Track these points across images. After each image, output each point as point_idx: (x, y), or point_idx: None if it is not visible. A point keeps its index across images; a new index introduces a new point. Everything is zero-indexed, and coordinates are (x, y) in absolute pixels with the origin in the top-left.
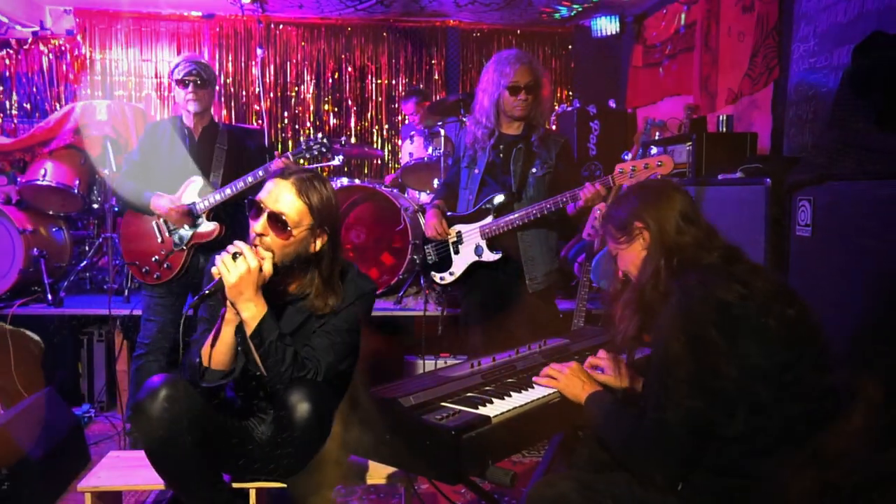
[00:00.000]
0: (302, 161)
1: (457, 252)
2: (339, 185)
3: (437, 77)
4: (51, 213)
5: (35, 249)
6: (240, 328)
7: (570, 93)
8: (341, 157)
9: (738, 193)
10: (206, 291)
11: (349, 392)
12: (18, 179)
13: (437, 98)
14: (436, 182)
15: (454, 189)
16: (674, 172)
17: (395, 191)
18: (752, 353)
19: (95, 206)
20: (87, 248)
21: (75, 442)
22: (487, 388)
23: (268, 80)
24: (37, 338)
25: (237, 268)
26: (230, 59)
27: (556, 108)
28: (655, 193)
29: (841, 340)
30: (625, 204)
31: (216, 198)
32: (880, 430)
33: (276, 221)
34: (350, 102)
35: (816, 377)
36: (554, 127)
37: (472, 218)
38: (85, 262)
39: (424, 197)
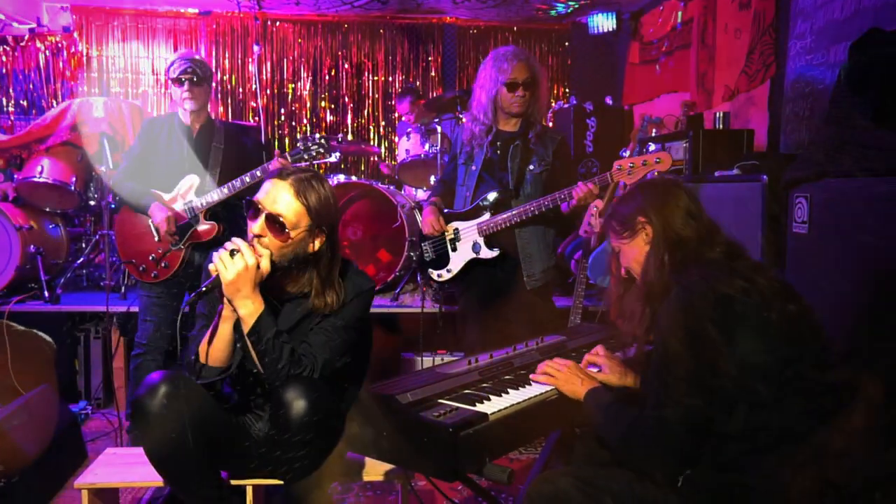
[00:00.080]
0: (300, 161)
1: (454, 249)
2: (335, 181)
3: (433, 74)
4: (47, 209)
5: (32, 246)
6: (237, 325)
7: (567, 90)
8: (338, 154)
9: (735, 190)
10: (203, 288)
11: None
12: (15, 176)
13: (434, 95)
14: (432, 179)
15: (451, 186)
16: (671, 169)
17: (391, 188)
18: (752, 348)
19: (92, 202)
20: (83, 245)
21: (72, 439)
22: (485, 385)
23: (264, 77)
24: (48, 339)
25: (234, 265)
26: (227, 55)
27: (553, 104)
28: (659, 190)
29: (838, 337)
30: (629, 201)
31: (214, 197)
32: (881, 429)
33: (274, 223)
34: (347, 99)
35: (817, 374)
36: (551, 124)
37: (470, 215)
38: (81, 259)
39: (421, 194)
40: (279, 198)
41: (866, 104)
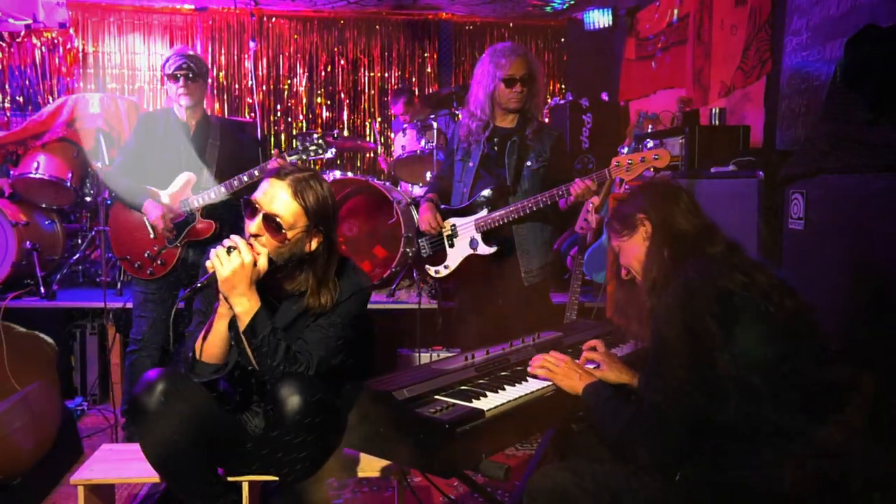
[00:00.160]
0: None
1: (451, 245)
2: (331, 177)
3: (429, 70)
4: (43, 205)
5: (28, 242)
6: (233, 322)
7: (563, 86)
8: (333, 150)
9: (731, 186)
10: (199, 284)
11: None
12: (11, 172)
13: (430, 91)
14: (428, 175)
15: (448, 182)
16: (667, 166)
17: (387, 183)
18: (751, 342)
19: (88, 199)
20: (79, 241)
21: (68, 435)
22: (481, 381)
23: (260, 73)
24: (50, 340)
25: (231, 262)
26: (223, 52)
27: (549, 101)
28: (659, 190)
29: (834, 334)
30: (629, 201)
31: (211, 195)
32: (878, 428)
33: (271, 223)
34: (343, 95)
35: (815, 371)
36: (546, 120)
37: (467, 211)
38: (77, 255)
39: (417, 189)
40: (276, 198)
41: (862, 100)
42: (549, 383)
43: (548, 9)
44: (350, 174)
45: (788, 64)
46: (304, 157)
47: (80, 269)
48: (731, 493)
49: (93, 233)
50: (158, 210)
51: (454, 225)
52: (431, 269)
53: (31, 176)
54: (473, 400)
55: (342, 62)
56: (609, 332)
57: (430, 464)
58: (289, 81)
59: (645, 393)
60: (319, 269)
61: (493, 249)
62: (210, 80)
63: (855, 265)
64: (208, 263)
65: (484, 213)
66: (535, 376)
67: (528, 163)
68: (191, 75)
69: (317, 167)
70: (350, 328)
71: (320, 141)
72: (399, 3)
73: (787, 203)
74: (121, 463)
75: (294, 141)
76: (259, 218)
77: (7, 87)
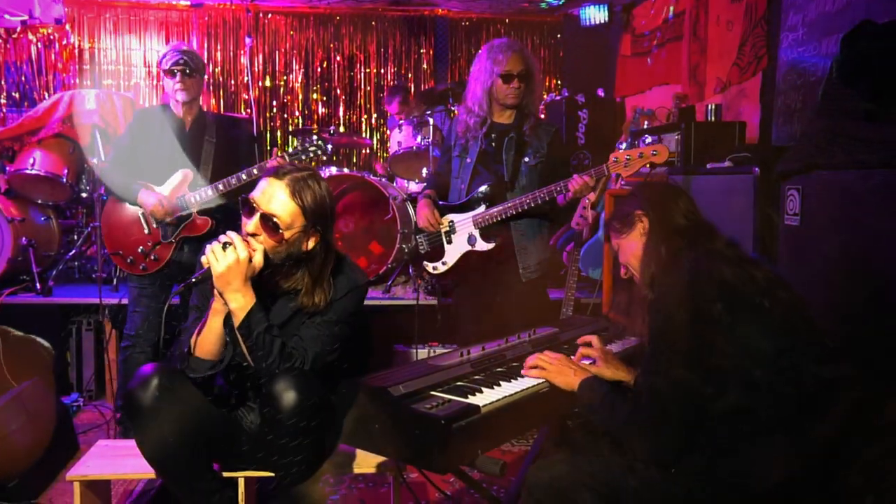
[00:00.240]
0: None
1: (449, 242)
2: (327, 174)
3: (425, 66)
4: (39, 201)
5: (24, 238)
6: (228, 318)
7: (559, 82)
8: (330, 147)
9: (727, 182)
10: (193, 279)
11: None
12: (7, 168)
13: (426, 87)
14: (424, 171)
15: (445, 178)
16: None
17: (383, 180)
18: (750, 333)
19: (84, 195)
20: (75, 238)
21: (64, 431)
22: (477, 377)
23: (256, 70)
24: (47, 344)
25: (226, 258)
26: (219, 48)
27: (545, 97)
28: (658, 188)
29: (829, 329)
30: (629, 199)
31: (208, 193)
32: (871, 424)
33: (268, 223)
34: (339, 91)
35: (812, 367)
36: (542, 116)
37: (465, 207)
38: (73, 252)
39: (413, 186)
40: (274, 197)
41: (858, 96)
42: (544, 379)
43: (543, 5)
44: (346, 170)
45: (784, 60)
46: (304, 157)
47: (76, 266)
48: (726, 483)
49: (89, 229)
50: (154, 197)
51: (452, 221)
52: (429, 266)
53: (27, 172)
54: (469, 396)
55: (338, 58)
56: (605, 328)
57: (426, 459)
58: (285, 78)
59: (643, 384)
60: (315, 269)
61: (490, 246)
62: (206, 77)
63: (851, 261)
64: (203, 259)
65: (482, 209)
66: None
67: (526, 159)
68: (187, 71)
69: (313, 164)
70: (345, 325)
71: (320, 142)
72: None
73: (783, 199)
74: (117, 459)
75: (292, 138)
76: (256, 217)
77: (3, 83)
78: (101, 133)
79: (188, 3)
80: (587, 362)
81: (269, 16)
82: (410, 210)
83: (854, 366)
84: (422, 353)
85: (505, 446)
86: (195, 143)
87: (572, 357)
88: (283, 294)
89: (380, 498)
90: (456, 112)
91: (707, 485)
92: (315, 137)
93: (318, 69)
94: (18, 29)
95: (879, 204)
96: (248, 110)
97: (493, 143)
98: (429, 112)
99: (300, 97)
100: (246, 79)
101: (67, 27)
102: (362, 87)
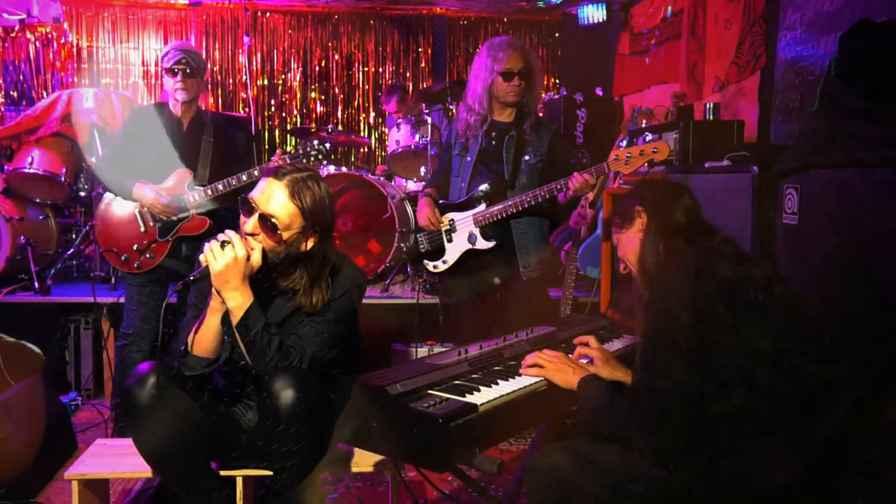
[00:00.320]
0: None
1: (450, 240)
2: (325, 172)
3: (423, 65)
4: (38, 200)
5: (22, 237)
6: (226, 317)
7: (557, 80)
8: (328, 146)
9: (725, 181)
10: (191, 278)
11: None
12: (5, 167)
13: (424, 86)
14: (423, 170)
15: (446, 177)
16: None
17: (381, 178)
18: (750, 331)
19: (82, 193)
20: (73, 237)
21: (62, 430)
22: (475, 376)
23: (254, 69)
24: (37, 350)
25: (224, 256)
26: (217, 47)
27: (543, 95)
28: (660, 186)
29: (828, 329)
30: (630, 195)
31: (207, 193)
32: (873, 425)
33: (267, 223)
34: (337, 90)
35: (814, 367)
36: (541, 115)
37: (465, 206)
38: (72, 250)
39: (411, 184)
40: (273, 198)
41: (856, 95)
42: (542, 378)
43: (540, 3)
44: (344, 169)
45: (783, 58)
46: (305, 161)
47: (75, 264)
48: (724, 480)
49: (87, 228)
50: (152, 191)
51: (452, 220)
52: (430, 264)
53: (26, 171)
54: (467, 394)
55: (336, 57)
56: (603, 326)
57: (424, 458)
58: (283, 76)
59: (641, 383)
60: (314, 269)
61: (491, 244)
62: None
63: (849, 260)
64: (202, 257)
65: (482, 207)
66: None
67: (526, 157)
68: (188, 70)
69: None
70: (344, 324)
71: (321, 146)
72: None
73: (782, 198)
74: (115, 458)
75: (291, 137)
76: (255, 217)
77: (1, 81)
78: (99, 132)
79: (186, 1)
80: (584, 361)
81: (268, 15)
82: (409, 209)
83: (854, 366)
84: (421, 351)
85: (503, 445)
86: (193, 143)
87: (570, 356)
88: (281, 293)
89: (378, 497)
90: (454, 111)
91: (707, 485)
92: (316, 142)
93: (317, 68)
94: (17, 28)
95: (878, 203)
96: (247, 109)
97: (494, 142)
98: (427, 111)
99: (298, 96)
100: (244, 78)
101: (66, 26)
102: (360, 85)
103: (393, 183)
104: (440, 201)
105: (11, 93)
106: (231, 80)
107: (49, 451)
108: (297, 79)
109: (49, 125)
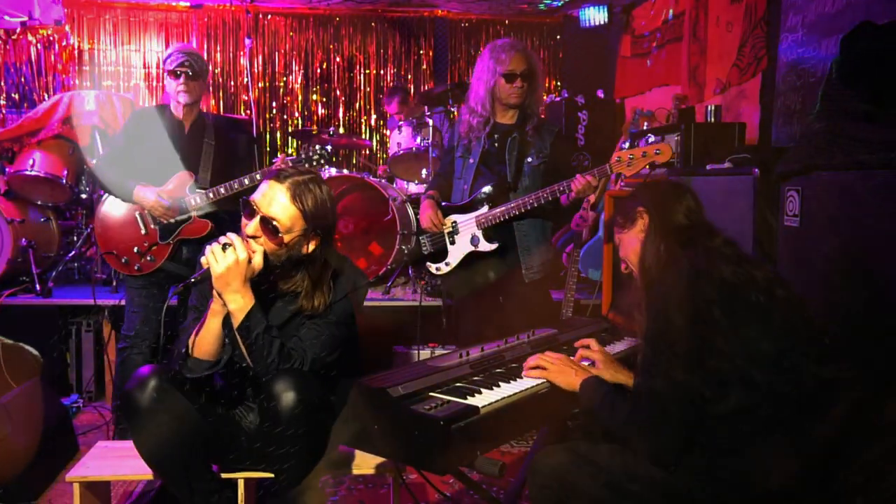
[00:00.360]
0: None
1: (453, 242)
2: (327, 174)
3: (424, 67)
4: (39, 203)
5: (23, 240)
6: (227, 319)
7: (559, 83)
8: (329, 148)
9: (727, 184)
10: (192, 280)
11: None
12: (7, 169)
13: (425, 88)
14: (424, 172)
15: (448, 179)
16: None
17: (383, 181)
18: (750, 332)
19: (84, 196)
20: (75, 239)
21: (63, 432)
22: (476, 378)
23: (256, 71)
24: (35, 352)
25: (225, 259)
26: (218, 49)
27: (545, 98)
28: (663, 187)
29: (829, 330)
30: (633, 196)
31: (209, 196)
32: (873, 425)
33: (268, 226)
34: (338, 93)
35: (814, 367)
36: (542, 117)
37: (468, 208)
38: (73, 253)
39: (413, 187)
40: (275, 200)
41: (858, 97)
42: (544, 380)
43: (542, 6)
44: (346, 171)
45: (784, 61)
46: (307, 165)
47: (76, 267)
48: (728, 486)
49: (88, 230)
50: (153, 193)
51: (455, 222)
52: (432, 267)
53: (27, 173)
54: (468, 397)
55: (338, 59)
56: (604, 329)
57: (425, 461)
58: (284, 79)
59: (642, 385)
60: (315, 272)
61: (493, 246)
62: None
63: (850, 262)
64: (203, 260)
65: (485, 209)
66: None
67: (529, 159)
68: (191, 73)
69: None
70: (345, 326)
71: (323, 151)
72: (394, 0)
73: (783, 200)
74: (116, 460)
75: (292, 140)
76: (256, 220)
77: (2, 84)
78: (100, 134)
79: (188, 4)
80: (586, 364)
81: (269, 17)
82: (410, 211)
83: (854, 366)
84: (423, 354)
85: (504, 447)
86: (194, 145)
87: (572, 358)
88: (282, 296)
89: (379, 499)
90: (455, 113)
91: (707, 485)
92: (318, 147)
93: (318, 70)
94: (18, 30)
95: (879, 205)
96: (248, 111)
97: (496, 144)
98: (428, 113)
99: (300, 98)
100: (245, 80)
101: (67, 28)
102: (362, 88)
103: (394, 185)
104: (443, 203)
105: (13, 95)
106: (232, 83)
107: (50, 453)
108: (299, 81)
109: (50, 127)
